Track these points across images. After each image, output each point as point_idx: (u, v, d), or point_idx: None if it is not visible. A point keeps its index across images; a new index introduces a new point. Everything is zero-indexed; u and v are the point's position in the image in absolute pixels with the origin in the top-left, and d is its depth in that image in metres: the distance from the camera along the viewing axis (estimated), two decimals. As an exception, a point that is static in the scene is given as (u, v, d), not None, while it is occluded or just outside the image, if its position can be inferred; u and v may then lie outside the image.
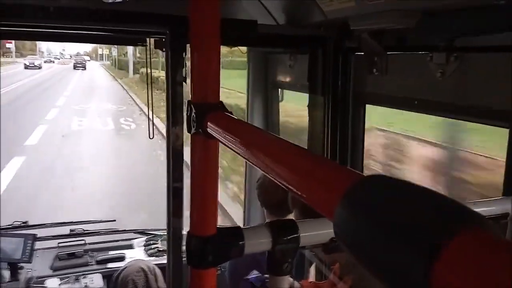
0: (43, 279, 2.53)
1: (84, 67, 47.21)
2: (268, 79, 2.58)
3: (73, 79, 33.84)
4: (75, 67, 46.84)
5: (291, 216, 1.90)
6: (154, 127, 2.32)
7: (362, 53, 1.80)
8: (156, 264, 2.55)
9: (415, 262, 0.29)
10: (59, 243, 2.88)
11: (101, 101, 19.97)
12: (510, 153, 1.23)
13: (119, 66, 44.22)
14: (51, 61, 63.26)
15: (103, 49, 61.24)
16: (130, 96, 21.77)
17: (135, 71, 32.54)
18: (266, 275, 1.45)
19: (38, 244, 2.69)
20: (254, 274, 1.50)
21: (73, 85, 28.10)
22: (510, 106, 1.21)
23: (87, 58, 62.25)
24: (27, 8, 1.54)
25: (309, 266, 2.10)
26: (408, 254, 0.30)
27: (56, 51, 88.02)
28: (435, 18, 1.36)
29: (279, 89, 2.61)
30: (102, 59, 66.23)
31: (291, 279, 1.52)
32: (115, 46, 34.76)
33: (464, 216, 0.29)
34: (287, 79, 2.44)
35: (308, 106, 2.14)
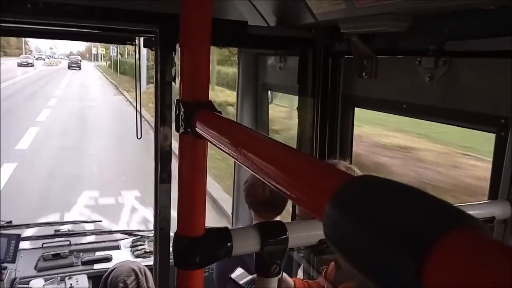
0: (28, 279, 2.48)
1: (79, 67, 45.53)
2: (258, 81, 2.57)
3: (55, 92, 20.65)
4: (69, 67, 44.89)
5: (279, 218, 1.90)
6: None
7: (352, 56, 1.81)
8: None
9: (406, 262, 0.28)
10: (43, 243, 2.83)
11: (107, 174, 7.73)
12: (496, 158, 1.24)
13: (122, 70, 31.77)
14: (27, 64, 42.95)
15: (97, 48, 52.45)
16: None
17: (149, 79, 17.09)
18: (252, 275, 1.45)
19: (22, 244, 2.64)
20: (238, 271, 1.48)
21: (48, 114, 14.10)
22: (496, 112, 1.22)
23: (79, 58, 54.28)
24: (14, 2, 1.51)
25: (297, 267, 2.10)
26: (398, 254, 0.29)
27: (48, 50, 77.93)
28: (425, 22, 1.37)
29: (269, 91, 2.61)
30: (97, 60, 57.63)
31: (284, 274, 1.50)
32: (115, 44, 25.97)
33: (455, 216, 0.29)
34: (277, 81, 2.44)
35: (298, 108, 2.14)
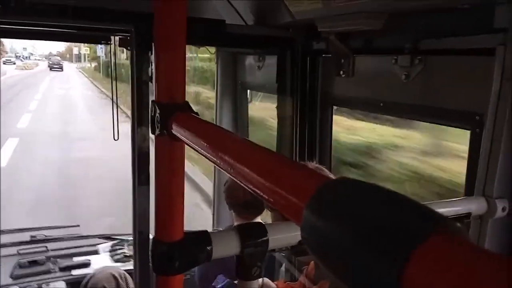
0: None
1: (61, 68, 43.91)
2: (237, 80, 2.56)
3: (18, 123, 12.29)
4: (51, 68, 43.30)
5: (261, 219, 1.89)
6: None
7: (330, 55, 1.82)
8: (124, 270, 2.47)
9: (385, 267, 0.28)
10: (19, 250, 2.75)
11: None
12: (471, 155, 1.26)
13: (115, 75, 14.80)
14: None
15: (80, 48, 47.32)
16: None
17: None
18: (234, 281, 1.44)
19: (-4, 252, 2.54)
20: (220, 279, 1.47)
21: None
22: (471, 109, 1.24)
23: (59, 59, 50.52)
24: None
25: (279, 267, 2.10)
26: (378, 259, 0.29)
27: (25, 51, 71.34)
28: (400, 21, 1.38)
29: (248, 90, 2.60)
30: (80, 61, 52.25)
31: (266, 279, 1.51)
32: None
33: (434, 219, 0.28)
34: (256, 80, 2.43)
35: (277, 107, 2.14)
